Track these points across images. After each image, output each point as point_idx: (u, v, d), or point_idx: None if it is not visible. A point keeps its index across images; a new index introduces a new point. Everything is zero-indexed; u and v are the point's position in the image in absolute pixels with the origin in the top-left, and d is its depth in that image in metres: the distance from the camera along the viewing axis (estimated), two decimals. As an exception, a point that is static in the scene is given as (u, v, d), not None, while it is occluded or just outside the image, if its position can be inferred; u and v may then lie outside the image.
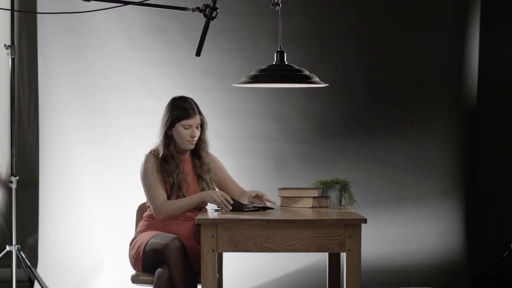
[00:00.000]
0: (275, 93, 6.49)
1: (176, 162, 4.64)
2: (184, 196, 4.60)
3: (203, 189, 4.66)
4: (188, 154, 4.72)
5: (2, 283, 6.57)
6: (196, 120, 4.62)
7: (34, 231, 6.69)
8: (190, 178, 4.66)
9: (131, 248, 4.60)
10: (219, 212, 4.43)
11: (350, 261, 3.99)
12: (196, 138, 4.64)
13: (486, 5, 6.69)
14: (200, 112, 4.66)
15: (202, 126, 4.69)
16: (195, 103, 4.68)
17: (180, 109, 4.62)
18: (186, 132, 4.62)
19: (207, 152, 4.77)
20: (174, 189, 4.60)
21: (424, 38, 6.54)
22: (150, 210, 4.66)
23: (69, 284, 6.31)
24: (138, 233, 4.66)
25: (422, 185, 6.58)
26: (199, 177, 4.68)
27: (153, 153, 4.66)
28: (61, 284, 6.32)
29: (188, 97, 4.69)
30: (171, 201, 4.57)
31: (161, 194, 4.58)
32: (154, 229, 4.60)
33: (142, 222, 4.70)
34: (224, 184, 4.79)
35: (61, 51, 6.35)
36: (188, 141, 4.62)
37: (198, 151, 4.71)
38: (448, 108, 6.61)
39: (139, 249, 4.51)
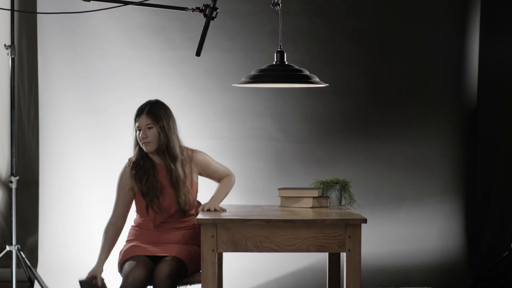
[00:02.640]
0: (275, 93, 6.49)
1: (146, 167, 4.56)
2: (159, 208, 4.53)
3: (178, 203, 4.55)
4: (160, 162, 4.57)
5: (2, 283, 6.57)
6: (142, 121, 4.51)
7: (34, 231, 6.69)
8: (166, 189, 4.55)
9: (119, 258, 4.63)
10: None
11: (350, 261, 3.99)
12: (147, 140, 4.50)
13: (486, 5, 6.69)
14: (150, 113, 4.51)
15: (164, 129, 4.53)
16: (153, 105, 4.54)
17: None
18: (139, 134, 4.53)
19: (185, 161, 4.59)
20: (147, 198, 4.53)
21: (424, 38, 6.54)
22: (139, 217, 4.63)
23: (69, 284, 6.31)
24: (126, 242, 4.66)
25: (422, 185, 6.58)
26: (175, 189, 4.55)
27: (129, 161, 4.62)
28: (61, 284, 6.32)
29: (153, 100, 4.59)
30: (107, 233, 4.60)
31: (115, 213, 4.59)
32: (142, 241, 4.58)
33: (131, 230, 4.67)
34: (215, 180, 4.75)
35: (61, 51, 6.35)
36: (142, 143, 4.52)
37: (170, 161, 4.55)
38: (448, 108, 6.61)
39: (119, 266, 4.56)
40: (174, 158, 4.54)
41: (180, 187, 4.53)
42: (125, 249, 4.59)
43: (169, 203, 4.54)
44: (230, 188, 4.70)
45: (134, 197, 4.62)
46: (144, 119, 4.51)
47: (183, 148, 4.60)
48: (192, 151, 4.65)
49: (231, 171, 4.76)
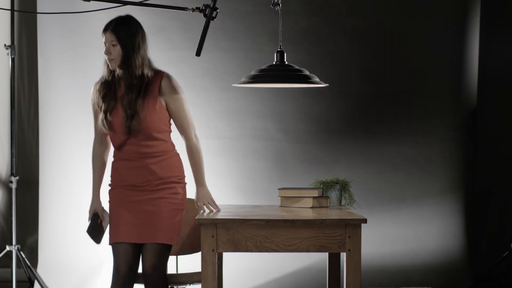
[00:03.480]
0: (275, 93, 6.49)
1: (110, 83, 4.43)
2: (108, 125, 4.45)
3: (128, 127, 4.39)
4: (122, 79, 4.41)
5: (2, 283, 6.57)
6: (107, 38, 4.35)
7: (34, 231, 6.69)
8: (120, 107, 4.40)
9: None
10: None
11: (350, 261, 3.99)
12: (111, 57, 4.34)
13: (486, 5, 6.69)
14: (115, 30, 4.35)
15: (126, 47, 4.34)
16: (120, 21, 4.37)
17: None
18: (104, 50, 4.39)
19: (148, 82, 4.36)
20: (103, 113, 4.45)
21: (424, 38, 6.54)
22: (116, 148, 4.51)
23: (69, 284, 6.31)
24: (109, 186, 4.60)
25: (422, 185, 6.58)
26: (125, 108, 4.38)
27: (99, 79, 4.50)
28: (61, 284, 6.32)
29: (123, 15, 4.42)
30: (94, 163, 4.73)
31: (96, 133, 4.60)
32: (121, 179, 4.50)
33: (111, 166, 4.59)
34: (177, 124, 4.51)
35: (61, 51, 6.35)
36: (107, 59, 4.37)
37: (129, 79, 4.37)
38: (448, 108, 6.61)
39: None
40: (132, 77, 4.36)
41: (129, 107, 4.36)
42: (109, 205, 4.52)
43: (118, 121, 4.41)
44: (203, 159, 4.49)
45: None
46: (109, 36, 4.36)
47: (149, 69, 4.40)
48: (162, 73, 4.43)
49: (195, 132, 4.53)
